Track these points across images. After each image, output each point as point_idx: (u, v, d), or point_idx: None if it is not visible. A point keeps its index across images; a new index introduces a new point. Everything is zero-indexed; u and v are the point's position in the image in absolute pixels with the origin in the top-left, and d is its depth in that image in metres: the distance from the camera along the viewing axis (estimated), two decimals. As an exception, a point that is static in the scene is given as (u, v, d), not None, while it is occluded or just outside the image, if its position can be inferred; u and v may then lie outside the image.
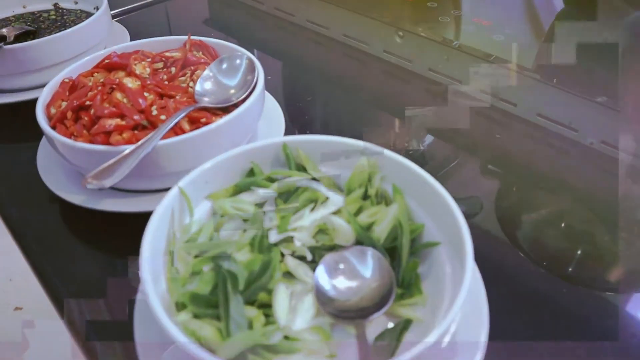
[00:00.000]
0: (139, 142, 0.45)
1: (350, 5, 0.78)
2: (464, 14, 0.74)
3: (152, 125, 0.49)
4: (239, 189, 0.44)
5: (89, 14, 0.76)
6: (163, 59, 0.58)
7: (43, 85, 0.67)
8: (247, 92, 0.53)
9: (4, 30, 0.70)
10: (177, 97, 0.54)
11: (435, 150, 0.61)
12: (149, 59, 0.58)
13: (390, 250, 0.41)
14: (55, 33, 0.71)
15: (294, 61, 0.80)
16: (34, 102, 0.53)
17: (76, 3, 0.78)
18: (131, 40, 0.75)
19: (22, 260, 0.49)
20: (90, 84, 0.54)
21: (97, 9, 0.76)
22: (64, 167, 0.53)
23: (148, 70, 0.56)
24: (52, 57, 0.65)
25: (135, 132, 0.49)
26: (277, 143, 0.45)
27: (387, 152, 0.43)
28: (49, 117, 0.52)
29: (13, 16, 0.77)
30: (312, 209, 0.42)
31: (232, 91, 0.53)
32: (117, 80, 0.55)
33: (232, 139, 0.49)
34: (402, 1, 0.76)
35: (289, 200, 0.43)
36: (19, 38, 0.70)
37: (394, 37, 0.71)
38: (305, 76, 0.77)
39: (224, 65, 0.56)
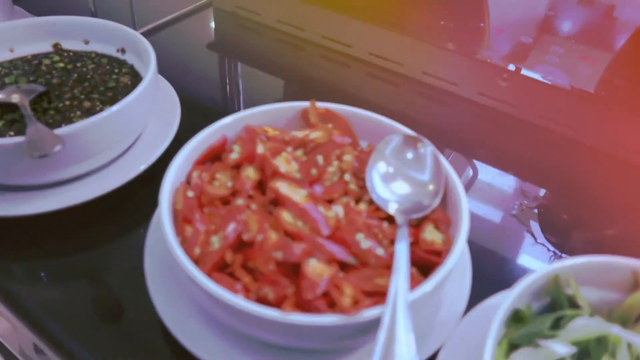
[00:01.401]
0: (390, 307, 0.32)
1: (418, 33, 0.67)
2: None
3: (362, 262, 0.36)
4: (514, 344, 0.34)
5: (111, 59, 0.57)
6: (302, 143, 0.44)
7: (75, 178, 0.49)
8: (441, 190, 0.41)
9: (15, 97, 0.49)
10: (349, 203, 0.41)
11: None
12: (290, 148, 0.43)
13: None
14: (75, 89, 0.52)
15: (335, 94, 0.67)
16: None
17: (87, 43, 0.58)
18: (180, 98, 0.57)
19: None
20: (241, 202, 0.38)
21: (124, 51, 0.57)
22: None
23: (295, 166, 0.42)
24: (106, 139, 0.47)
25: (340, 275, 0.35)
26: (545, 275, 0.35)
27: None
28: (194, 260, 0.36)
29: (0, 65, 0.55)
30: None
31: (431, 187, 0.41)
32: (248, 183, 0.40)
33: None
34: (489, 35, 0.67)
35: (591, 353, 0.34)
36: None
37: (497, 79, 0.62)
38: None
39: (393, 149, 0.43)
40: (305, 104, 0.47)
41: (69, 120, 0.49)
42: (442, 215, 0.41)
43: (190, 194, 0.39)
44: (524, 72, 0.61)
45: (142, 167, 0.49)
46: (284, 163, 0.42)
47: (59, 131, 0.43)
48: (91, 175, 0.49)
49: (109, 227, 0.48)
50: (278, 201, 0.39)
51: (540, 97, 0.60)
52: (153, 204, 0.40)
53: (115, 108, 0.45)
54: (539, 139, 0.61)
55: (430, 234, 0.39)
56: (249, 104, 0.67)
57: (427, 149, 0.43)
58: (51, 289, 0.44)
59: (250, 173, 0.42)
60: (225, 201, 0.40)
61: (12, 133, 0.47)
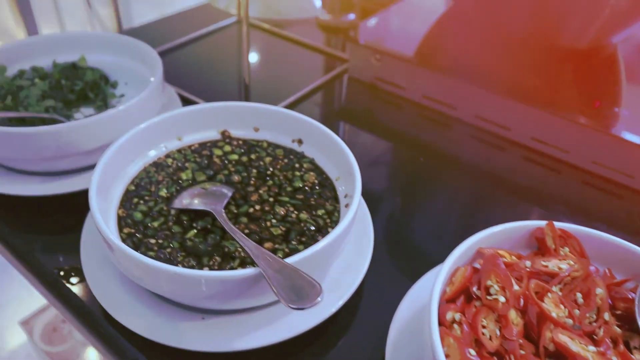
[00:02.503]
0: None
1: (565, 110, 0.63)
2: None
3: None
4: None
5: (286, 150, 0.52)
6: (562, 279, 0.39)
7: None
8: None
9: (200, 203, 0.44)
10: (626, 353, 0.36)
11: None
12: (555, 287, 0.38)
13: None
14: (260, 189, 0.48)
15: (488, 180, 0.63)
16: None
17: (257, 130, 0.53)
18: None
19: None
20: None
21: (301, 142, 0.52)
22: None
23: (565, 310, 0.37)
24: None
25: None
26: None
27: None
28: None
29: (169, 157, 0.50)
30: None
31: None
32: (515, 329, 0.35)
33: None
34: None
35: None
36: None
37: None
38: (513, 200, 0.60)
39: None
40: (539, 223, 0.43)
41: (267, 231, 0.44)
42: None
43: (472, 352, 0.34)
44: None
45: (340, 303, 0.43)
46: (554, 307, 0.37)
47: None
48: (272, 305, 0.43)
49: None
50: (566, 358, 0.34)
51: None
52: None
53: (332, 236, 0.39)
54: None
55: None
56: (396, 187, 0.62)
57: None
58: None
59: (513, 317, 0.37)
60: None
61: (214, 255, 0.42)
